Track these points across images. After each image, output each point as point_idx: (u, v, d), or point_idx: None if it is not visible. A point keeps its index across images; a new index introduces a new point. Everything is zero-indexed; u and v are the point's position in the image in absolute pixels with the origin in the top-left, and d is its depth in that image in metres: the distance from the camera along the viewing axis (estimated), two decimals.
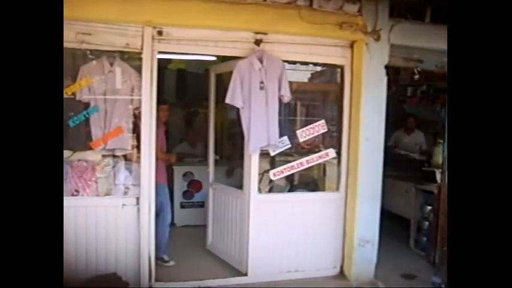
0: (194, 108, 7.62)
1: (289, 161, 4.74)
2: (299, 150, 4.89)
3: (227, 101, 4.28)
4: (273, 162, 4.85)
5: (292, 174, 4.89)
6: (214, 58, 5.67)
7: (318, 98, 5.67)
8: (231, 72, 4.37)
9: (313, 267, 4.80)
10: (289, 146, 4.65)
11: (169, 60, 7.06)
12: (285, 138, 4.59)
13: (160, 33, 4.17)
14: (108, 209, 4.22)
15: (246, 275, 4.64)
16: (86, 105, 4.19)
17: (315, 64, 5.00)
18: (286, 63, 4.49)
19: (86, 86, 4.15)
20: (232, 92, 4.23)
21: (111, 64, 4.19)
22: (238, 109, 4.38)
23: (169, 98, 7.69)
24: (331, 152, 4.79)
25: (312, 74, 5.54)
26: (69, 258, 4.15)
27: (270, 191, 4.96)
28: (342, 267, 4.88)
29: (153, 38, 4.16)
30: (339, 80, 4.88)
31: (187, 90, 8.05)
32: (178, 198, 6.53)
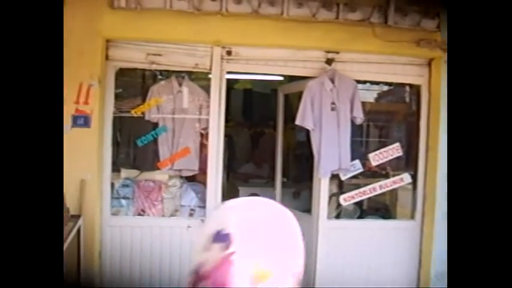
0: (260, 129, 7.53)
1: (359, 185, 4.49)
2: (370, 174, 4.63)
3: (297, 122, 4.12)
4: (341, 186, 4.62)
5: (362, 199, 4.62)
6: (281, 78, 5.59)
7: (391, 119, 5.38)
8: (300, 93, 4.23)
9: None
10: (361, 170, 4.39)
11: (236, 80, 7.05)
12: (357, 161, 4.35)
13: (229, 53, 4.12)
14: (173, 230, 4.17)
15: None
16: (155, 125, 4.21)
17: (389, 84, 4.76)
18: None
19: (155, 105, 4.16)
20: (303, 113, 4.07)
21: (180, 84, 4.19)
22: (307, 131, 4.22)
23: (236, 118, 7.69)
24: (406, 178, 4.47)
25: (378, 93, 5.28)
26: (134, 277, 4.16)
27: (338, 216, 4.71)
28: None
29: (222, 58, 4.11)
30: (407, 99, 4.60)
31: (254, 111, 7.99)
32: None
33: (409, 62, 4.38)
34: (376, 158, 4.41)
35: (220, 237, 0.88)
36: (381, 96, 5.14)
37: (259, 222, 0.91)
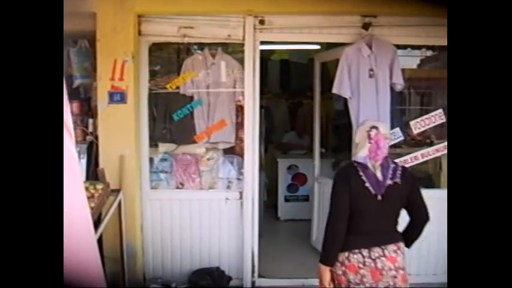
0: (298, 99, 7.43)
1: (400, 154, 4.34)
2: (411, 142, 4.47)
3: (334, 90, 3.99)
4: None
5: None
6: (318, 47, 5.44)
7: (434, 85, 5.14)
8: (337, 61, 4.08)
9: (427, 271, 4.37)
10: (402, 138, 4.24)
11: (272, 51, 6.94)
12: (397, 129, 4.18)
13: (262, 22, 4.01)
14: (212, 203, 4.20)
15: None
16: (190, 98, 4.20)
17: (431, 48, 4.52)
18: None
19: (189, 79, 4.15)
20: (340, 81, 3.94)
21: (214, 56, 4.15)
22: (345, 100, 4.10)
23: (273, 89, 7.61)
24: None
25: (421, 60, 5.03)
26: (175, 250, 4.24)
27: None
28: None
29: (254, 28, 4.01)
30: None
31: (291, 81, 7.88)
32: (282, 191, 6.39)
33: None
34: (418, 126, 4.22)
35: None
36: (422, 61, 4.90)
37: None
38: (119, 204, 3.70)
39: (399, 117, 4.50)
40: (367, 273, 2.51)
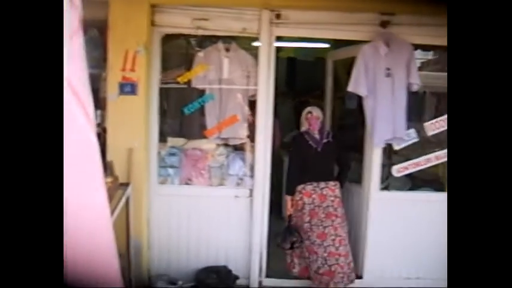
0: (305, 98, 7.33)
1: (411, 156, 4.26)
2: (425, 144, 4.39)
3: (350, 88, 3.91)
4: (390, 156, 4.40)
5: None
6: (327, 45, 5.36)
7: None
8: (347, 59, 4.03)
9: (437, 276, 4.29)
10: (416, 139, 4.16)
11: (279, 48, 6.84)
12: (412, 131, 4.11)
13: (278, 16, 3.93)
14: (221, 200, 4.12)
15: (360, 277, 4.27)
16: (201, 92, 4.11)
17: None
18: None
19: (201, 73, 4.05)
20: (356, 79, 3.85)
21: (227, 50, 4.05)
22: (358, 99, 4.04)
23: (280, 87, 7.52)
24: None
25: (436, 59, 4.98)
26: (181, 246, 4.16)
27: (387, 187, 4.51)
28: None
29: (270, 22, 3.93)
30: None
31: (297, 79, 7.80)
32: None
33: None
34: (432, 127, 4.15)
35: None
36: (438, 61, 4.83)
37: None
38: (127, 198, 3.60)
39: (414, 117, 4.42)
40: (316, 197, 3.92)
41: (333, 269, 3.83)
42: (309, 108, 4.16)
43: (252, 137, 4.11)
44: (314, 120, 4.02)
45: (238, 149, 4.22)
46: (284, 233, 3.97)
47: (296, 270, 4.11)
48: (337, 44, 4.81)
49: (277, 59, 7.05)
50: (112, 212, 3.32)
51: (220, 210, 4.12)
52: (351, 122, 5.31)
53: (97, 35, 4.14)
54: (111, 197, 3.32)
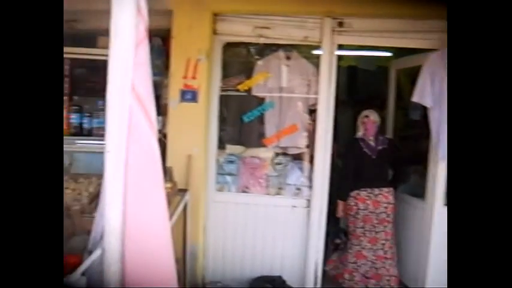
0: (365, 107, 7.16)
1: None
2: None
3: (414, 99, 3.75)
4: None
5: None
6: (389, 54, 5.21)
7: None
8: (411, 68, 3.87)
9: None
10: None
11: (340, 57, 6.74)
12: None
13: (341, 24, 3.86)
14: (278, 209, 4.07)
15: None
16: (261, 100, 4.10)
17: None
18: None
19: (262, 81, 4.05)
20: (421, 89, 3.70)
21: (288, 58, 4.02)
22: (422, 110, 3.88)
23: (340, 96, 7.40)
24: None
25: None
26: (237, 254, 4.14)
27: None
28: None
29: (333, 30, 3.86)
30: None
31: (358, 89, 7.64)
32: None
33: None
34: None
35: None
36: None
37: None
38: (185, 204, 3.63)
39: None
40: (370, 203, 3.96)
41: (379, 272, 3.97)
42: (365, 112, 4.13)
43: (311, 146, 4.04)
44: (370, 124, 4.03)
45: (297, 158, 4.16)
46: (332, 234, 4.20)
47: (333, 272, 4.25)
48: (399, 52, 4.67)
49: (338, 67, 7.02)
50: (170, 217, 3.36)
51: (277, 220, 4.08)
52: (414, 133, 5.13)
53: (160, 44, 4.25)
54: (169, 203, 3.36)
